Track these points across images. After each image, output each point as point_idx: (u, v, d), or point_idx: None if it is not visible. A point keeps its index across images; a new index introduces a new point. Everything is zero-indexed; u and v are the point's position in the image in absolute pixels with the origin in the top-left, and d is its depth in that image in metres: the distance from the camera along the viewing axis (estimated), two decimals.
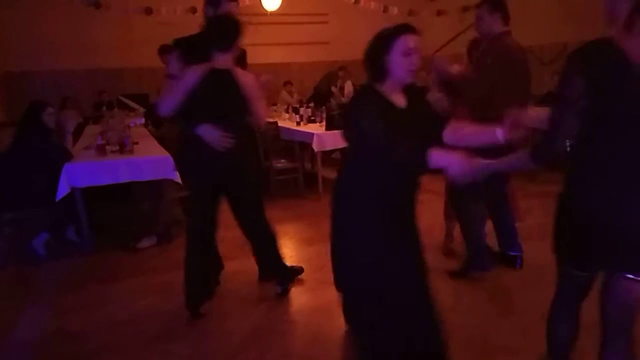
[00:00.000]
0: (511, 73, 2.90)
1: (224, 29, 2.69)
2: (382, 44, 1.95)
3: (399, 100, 2.01)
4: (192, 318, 2.82)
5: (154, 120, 6.33)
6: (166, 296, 3.09)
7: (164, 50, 5.38)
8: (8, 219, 3.95)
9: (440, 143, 2.01)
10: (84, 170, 3.84)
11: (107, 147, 4.23)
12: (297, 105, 7.24)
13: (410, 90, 2.05)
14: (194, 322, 2.80)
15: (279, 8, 8.90)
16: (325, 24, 10.60)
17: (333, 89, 8.82)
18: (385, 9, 9.35)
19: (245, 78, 2.75)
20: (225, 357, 2.47)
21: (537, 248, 3.56)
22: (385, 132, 1.87)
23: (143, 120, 6.77)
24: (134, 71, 8.64)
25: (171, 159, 4.01)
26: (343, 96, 8.81)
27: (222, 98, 2.67)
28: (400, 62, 1.93)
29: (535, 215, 4.45)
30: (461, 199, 3.26)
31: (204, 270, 2.86)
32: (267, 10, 8.77)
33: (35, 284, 3.49)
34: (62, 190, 3.72)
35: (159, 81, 4.07)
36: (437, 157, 1.79)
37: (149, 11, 7.67)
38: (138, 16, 7.85)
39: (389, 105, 1.98)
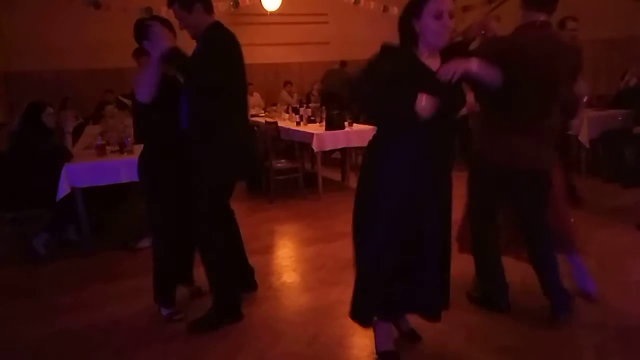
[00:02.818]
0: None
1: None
2: (412, 7, 1.97)
3: (433, 64, 2.03)
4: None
5: None
6: None
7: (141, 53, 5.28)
8: (8, 219, 3.95)
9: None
10: (84, 170, 3.84)
11: (107, 147, 4.23)
12: (297, 105, 7.24)
13: (447, 54, 2.05)
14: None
15: (278, 8, 8.90)
16: (325, 24, 10.60)
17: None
18: (385, 9, 9.33)
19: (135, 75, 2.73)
20: (224, 357, 2.47)
21: None
22: (363, 74, 2.03)
23: None
24: (134, 71, 8.65)
25: None
26: None
27: None
28: (432, 25, 1.92)
29: None
30: (477, 221, 2.77)
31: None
32: (267, 10, 8.77)
33: (35, 284, 3.49)
34: (62, 190, 3.72)
35: None
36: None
37: (149, 11, 7.67)
38: (138, 16, 7.84)
39: (416, 63, 2.00)
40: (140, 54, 5.43)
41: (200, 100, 2.58)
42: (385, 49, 2.04)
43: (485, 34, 2.48)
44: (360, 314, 2.28)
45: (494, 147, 2.54)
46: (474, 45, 2.43)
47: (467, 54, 2.14)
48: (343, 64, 9.12)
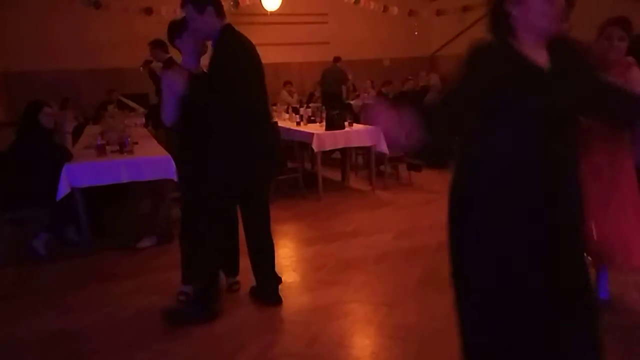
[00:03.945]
0: None
1: None
2: None
3: (539, 57, 1.53)
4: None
5: (154, 121, 6.34)
6: (166, 296, 3.09)
7: (156, 45, 5.31)
8: (8, 219, 3.94)
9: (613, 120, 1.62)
10: (84, 170, 3.84)
11: (107, 147, 4.23)
12: (297, 105, 7.25)
13: (556, 46, 1.56)
14: (194, 322, 2.80)
15: (279, 8, 8.93)
16: (325, 24, 10.61)
17: (344, 88, 8.86)
18: (385, 9, 9.37)
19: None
20: (225, 357, 2.47)
21: None
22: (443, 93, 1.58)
23: (143, 121, 6.77)
24: (134, 71, 8.65)
25: (171, 159, 4.00)
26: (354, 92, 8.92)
27: None
28: (537, 5, 1.47)
29: None
30: None
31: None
32: (267, 10, 8.79)
33: (35, 284, 3.49)
34: (62, 190, 3.71)
35: None
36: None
37: (149, 11, 7.69)
38: (138, 16, 7.86)
39: (518, 59, 1.51)
40: (154, 46, 5.51)
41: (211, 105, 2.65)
42: (476, 48, 1.57)
43: None
44: None
45: None
46: None
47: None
48: (336, 59, 9.09)
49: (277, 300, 3.00)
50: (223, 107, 2.62)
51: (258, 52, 2.73)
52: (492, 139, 1.54)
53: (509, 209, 1.53)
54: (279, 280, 3.08)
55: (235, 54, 2.59)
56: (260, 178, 2.85)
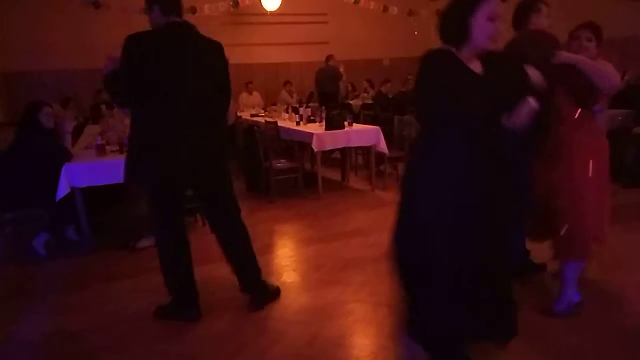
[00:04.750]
0: None
1: None
2: (467, 5, 1.85)
3: (476, 67, 1.93)
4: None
5: None
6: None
7: None
8: (8, 219, 3.94)
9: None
10: (84, 170, 3.84)
11: (107, 147, 4.23)
12: (297, 105, 7.25)
13: (487, 58, 1.95)
14: (194, 323, 2.80)
15: (278, 8, 8.91)
16: (325, 24, 10.61)
17: (342, 84, 8.81)
18: (385, 9, 9.36)
19: None
20: (225, 358, 2.47)
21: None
22: (458, 87, 1.82)
23: None
24: None
25: None
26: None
27: None
28: (484, 27, 1.83)
29: None
30: None
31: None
32: (267, 10, 8.78)
33: (35, 284, 3.49)
34: (62, 191, 3.72)
35: None
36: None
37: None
38: (138, 16, 7.84)
39: (465, 69, 1.89)
40: None
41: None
42: (433, 56, 1.95)
43: None
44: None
45: None
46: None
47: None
48: (329, 58, 9.03)
49: (258, 306, 2.96)
50: (126, 98, 2.70)
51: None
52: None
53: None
54: (262, 285, 3.01)
55: (127, 50, 2.65)
56: (174, 177, 2.65)
